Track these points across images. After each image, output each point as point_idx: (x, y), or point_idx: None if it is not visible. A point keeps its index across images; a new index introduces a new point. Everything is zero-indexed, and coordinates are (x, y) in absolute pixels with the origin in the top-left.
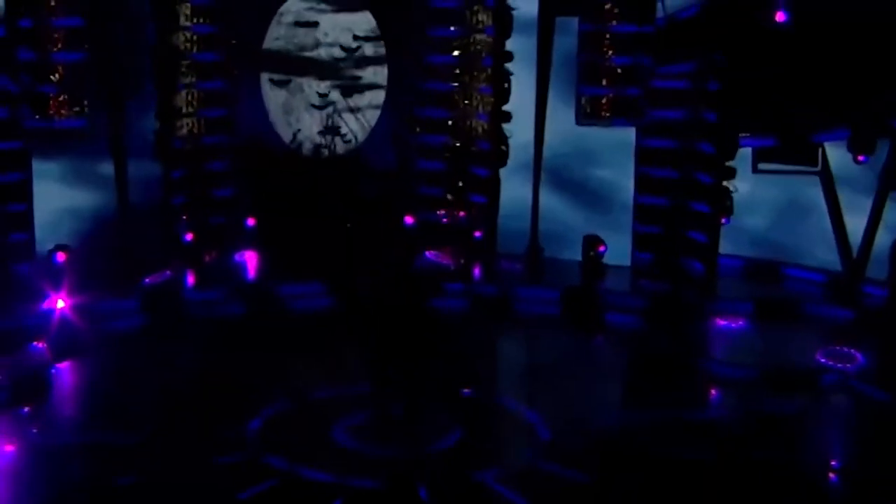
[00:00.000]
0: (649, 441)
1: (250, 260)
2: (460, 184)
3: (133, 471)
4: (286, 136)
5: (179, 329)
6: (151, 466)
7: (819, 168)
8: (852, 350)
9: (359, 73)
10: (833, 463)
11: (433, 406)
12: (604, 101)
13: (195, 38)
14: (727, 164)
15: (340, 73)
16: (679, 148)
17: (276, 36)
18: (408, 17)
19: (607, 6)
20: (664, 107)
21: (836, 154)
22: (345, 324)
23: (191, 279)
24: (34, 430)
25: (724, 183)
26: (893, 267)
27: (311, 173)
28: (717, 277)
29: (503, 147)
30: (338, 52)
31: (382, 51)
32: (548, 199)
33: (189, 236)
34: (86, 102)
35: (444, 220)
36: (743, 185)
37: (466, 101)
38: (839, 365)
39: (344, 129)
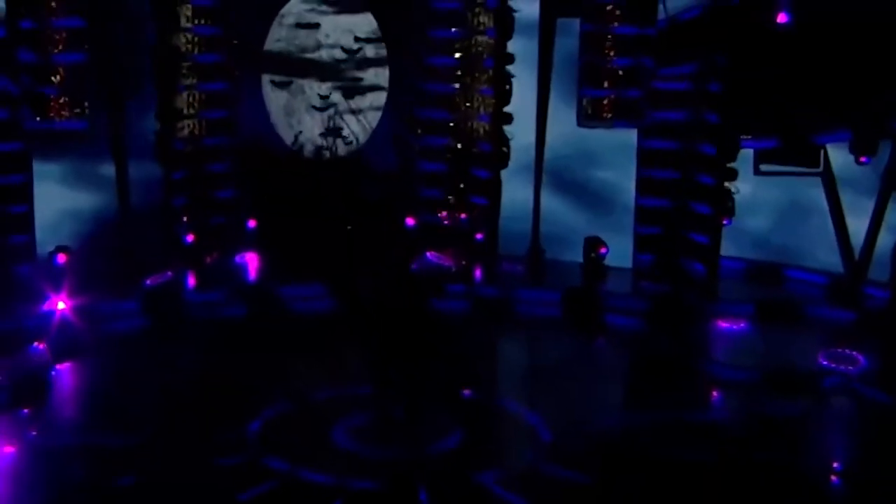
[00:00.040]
0: (650, 443)
1: (251, 261)
2: (461, 185)
3: (133, 472)
4: (287, 138)
5: (180, 330)
6: (151, 468)
7: (821, 169)
8: (854, 352)
9: (360, 74)
10: (835, 465)
11: (434, 407)
12: (605, 102)
13: (196, 39)
14: (729, 165)
15: (342, 74)
16: (680, 149)
17: (278, 37)
18: (409, 19)
19: (609, 7)
20: (666, 108)
21: (837, 155)
22: (346, 325)
23: (191, 281)
24: (34, 432)
25: (726, 184)
26: (895, 268)
27: (312, 175)
28: (718, 279)
29: (504, 149)
30: (339, 54)
31: (384, 52)
32: (549, 201)
33: (190, 238)
34: (86, 104)
35: (446, 221)
36: (745, 187)
37: (468, 103)
38: (841, 367)
39: (345, 131)
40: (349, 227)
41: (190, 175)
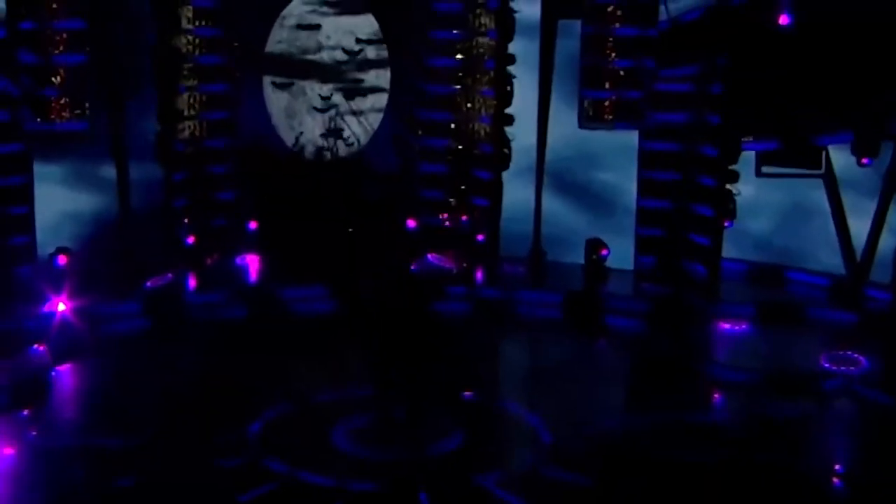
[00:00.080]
0: (652, 445)
1: (252, 263)
2: (462, 187)
3: (133, 473)
4: (288, 140)
5: (181, 332)
6: (151, 469)
7: (822, 171)
8: (855, 354)
9: (361, 76)
10: (836, 467)
11: (434, 409)
12: (606, 104)
13: (197, 40)
14: (730, 167)
15: (343, 76)
16: (682, 151)
17: (279, 39)
18: (410, 20)
19: (610, 9)
20: (667, 110)
21: (839, 157)
22: (347, 326)
23: (192, 282)
24: (33, 433)
25: (727, 186)
26: None
27: (313, 176)
28: (720, 281)
29: (505, 150)
30: (340, 55)
31: (385, 54)
32: (550, 203)
33: (190, 239)
34: (87, 105)
35: (447, 223)
36: (747, 189)
37: (469, 105)
38: (843, 369)
39: (346, 132)
40: (350, 229)
41: (191, 176)
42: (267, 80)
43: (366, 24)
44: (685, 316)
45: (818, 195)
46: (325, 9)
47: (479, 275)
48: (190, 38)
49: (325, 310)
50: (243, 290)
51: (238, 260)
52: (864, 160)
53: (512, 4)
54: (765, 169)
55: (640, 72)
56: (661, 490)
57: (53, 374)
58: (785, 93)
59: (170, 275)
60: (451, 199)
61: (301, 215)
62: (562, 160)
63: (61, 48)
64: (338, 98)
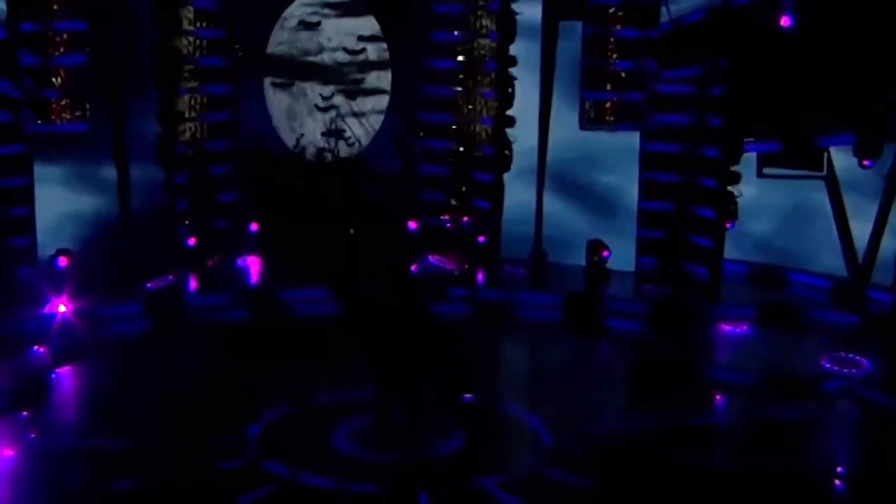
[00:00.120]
0: (652, 446)
1: (253, 265)
2: (463, 189)
3: (132, 475)
4: (289, 141)
5: (181, 334)
6: (151, 471)
7: (824, 173)
8: (857, 355)
9: (362, 77)
10: (838, 469)
11: (435, 411)
12: (608, 105)
13: (198, 42)
14: (732, 168)
15: (344, 77)
16: (683, 152)
17: (280, 41)
18: (411, 22)
19: (611, 10)
20: (668, 111)
21: (841, 159)
22: (347, 327)
23: (193, 284)
24: (32, 434)
25: (729, 188)
26: None
27: (314, 178)
28: (721, 282)
29: (507, 152)
30: (341, 57)
31: (386, 55)
32: (551, 204)
33: (191, 241)
34: (88, 106)
35: (448, 225)
36: (748, 190)
37: (470, 106)
38: (844, 370)
39: (347, 133)
40: (351, 231)
41: (191, 178)
42: (267, 80)
43: (367, 26)
44: (686, 317)
45: (820, 197)
46: (326, 10)
47: (479, 276)
48: (191, 39)
49: (327, 311)
50: (244, 291)
51: (239, 261)
52: (866, 162)
53: (513, 6)
54: (766, 170)
55: (642, 73)
56: (661, 492)
57: (53, 375)
58: (786, 94)
59: (170, 276)
60: (452, 201)
61: (302, 217)
62: (563, 162)
63: (62, 49)
64: (339, 99)
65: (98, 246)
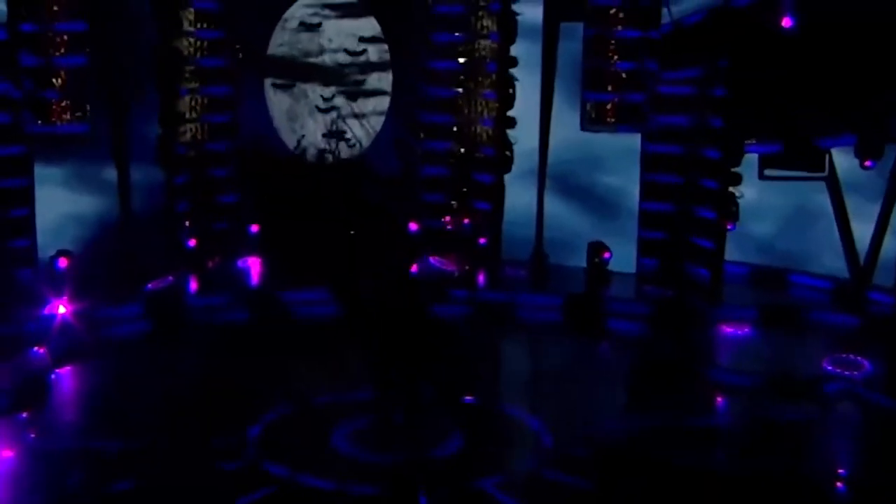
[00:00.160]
0: (653, 448)
1: (253, 266)
2: (464, 190)
3: (132, 476)
4: (290, 143)
5: (182, 335)
6: (151, 472)
7: (826, 174)
8: (859, 357)
9: (363, 78)
10: (839, 471)
11: (435, 412)
12: (609, 106)
13: (198, 43)
14: (733, 169)
15: (345, 79)
16: (685, 154)
17: (281, 42)
18: (412, 23)
19: (612, 11)
20: (670, 112)
21: (843, 160)
22: (348, 328)
23: (194, 285)
24: (32, 435)
25: (730, 189)
26: None
27: (315, 179)
28: (722, 284)
29: (508, 153)
30: (342, 58)
31: (387, 56)
32: (552, 206)
33: (192, 242)
34: (88, 107)
35: (449, 226)
36: (750, 192)
37: (471, 107)
38: (846, 372)
39: (348, 134)
40: (352, 232)
41: (192, 179)
42: (268, 82)
43: (368, 27)
44: (687, 319)
45: (821, 198)
46: (326, 12)
47: (480, 278)
48: (191, 40)
49: (327, 313)
50: (245, 293)
51: (239, 263)
52: (868, 163)
53: (514, 7)
54: (767, 172)
55: (643, 74)
56: (662, 493)
57: (53, 376)
58: (787, 95)
59: (171, 277)
60: (453, 202)
61: (302, 218)
62: (564, 163)
63: (62, 50)
64: (340, 101)
65: (98, 247)
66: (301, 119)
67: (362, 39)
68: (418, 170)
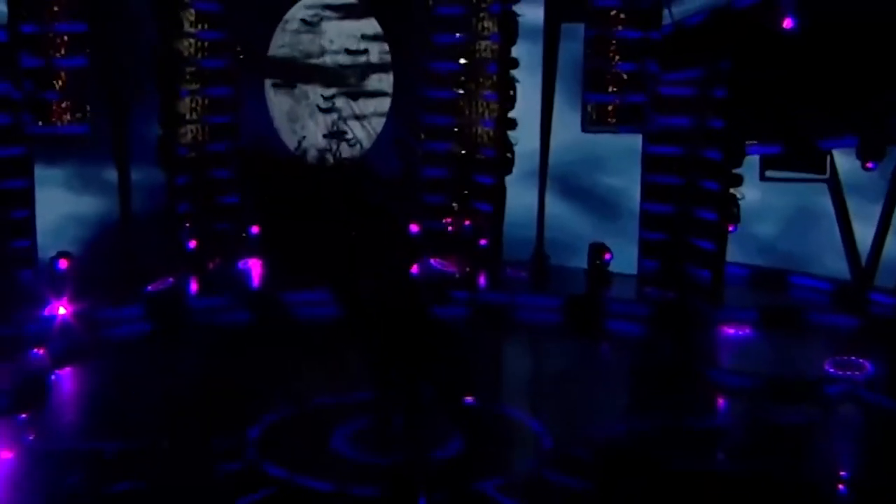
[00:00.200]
0: (654, 449)
1: (254, 267)
2: (465, 191)
3: (132, 477)
4: (291, 144)
5: (182, 336)
6: (150, 473)
7: (827, 175)
8: (861, 359)
9: (364, 80)
10: (840, 473)
11: (435, 413)
12: (610, 107)
13: (199, 44)
14: (734, 171)
15: (346, 80)
16: (686, 155)
17: (281, 43)
18: (412, 24)
19: (613, 12)
20: (671, 113)
21: (844, 161)
22: (348, 329)
23: (194, 286)
24: (31, 436)
25: (731, 190)
26: None
27: (315, 180)
28: (723, 285)
29: (509, 154)
30: (343, 59)
31: (388, 58)
32: (554, 207)
33: (193, 243)
34: (88, 108)
35: (449, 227)
36: (752, 193)
37: (472, 109)
38: (847, 374)
39: (349, 135)
40: (353, 233)
41: (193, 180)
42: (268, 82)
43: (369, 28)
44: (688, 320)
45: (823, 199)
46: (327, 12)
47: (481, 279)
48: (192, 41)
49: (328, 314)
50: (245, 294)
51: (240, 264)
52: (869, 164)
53: (515, 8)
54: (769, 173)
55: (644, 75)
56: (662, 495)
57: (53, 377)
58: (789, 96)
59: (171, 279)
60: (454, 204)
61: (303, 219)
62: (565, 164)
63: (62, 51)
64: (341, 102)
65: (99, 248)
66: (302, 120)
67: (363, 39)
68: (419, 171)
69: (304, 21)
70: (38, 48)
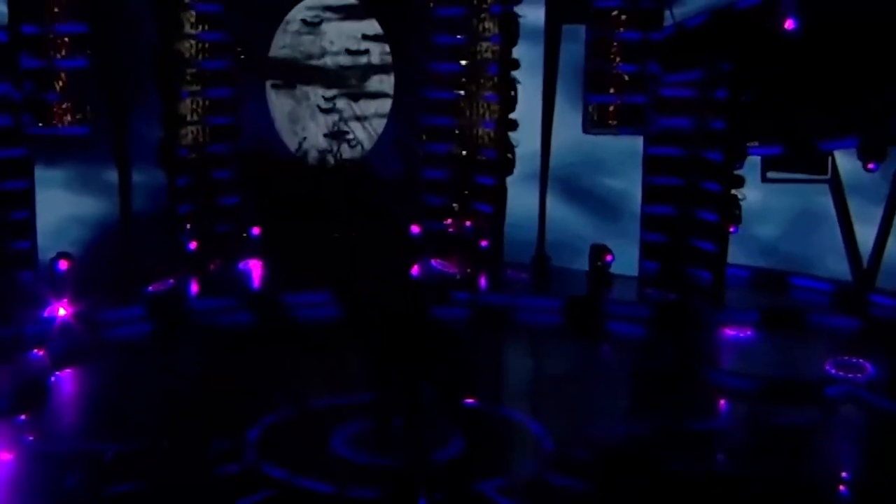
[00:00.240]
0: (654, 451)
1: (255, 269)
2: (466, 193)
3: (132, 479)
4: (292, 145)
5: (183, 337)
6: (150, 474)
7: (829, 176)
8: (862, 360)
9: (365, 81)
10: (841, 474)
11: (436, 414)
12: (611, 108)
13: (200, 45)
14: (735, 172)
15: (346, 81)
16: (687, 156)
17: (282, 44)
18: (413, 25)
19: (614, 13)
20: (672, 115)
21: (846, 162)
22: (349, 330)
23: (195, 287)
24: (30, 438)
25: (733, 191)
26: None
27: (316, 181)
28: (725, 287)
29: (510, 155)
30: (344, 61)
31: (388, 59)
32: (555, 208)
33: (193, 245)
34: (89, 109)
35: (450, 229)
36: (754, 194)
37: (472, 110)
38: (848, 375)
39: (350, 136)
40: (353, 234)
41: (193, 181)
42: (270, 84)
43: (369, 29)
44: (689, 322)
45: (824, 201)
46: (328, 14)
47: (482, 280)
48: (193, 42)
49: (329, 315)
50: (246, 295)
51: (241, 265)
52: (871, 165)
53: (516, 9)
54: (770, 174)
55: (645, 77)
56: (663, 497)
57: (53, 378)
58: (790, 97)
59: (172, 280)
60: (455, 205)
61: (304, 220)
62: (566, 165)
63: (63, 52)
64: (341, 103)
65: (99, 249)
66: (303, 121)
67: (365, 39)
68: (420, 172)
69: (304, 22)
70: (38, 49)
